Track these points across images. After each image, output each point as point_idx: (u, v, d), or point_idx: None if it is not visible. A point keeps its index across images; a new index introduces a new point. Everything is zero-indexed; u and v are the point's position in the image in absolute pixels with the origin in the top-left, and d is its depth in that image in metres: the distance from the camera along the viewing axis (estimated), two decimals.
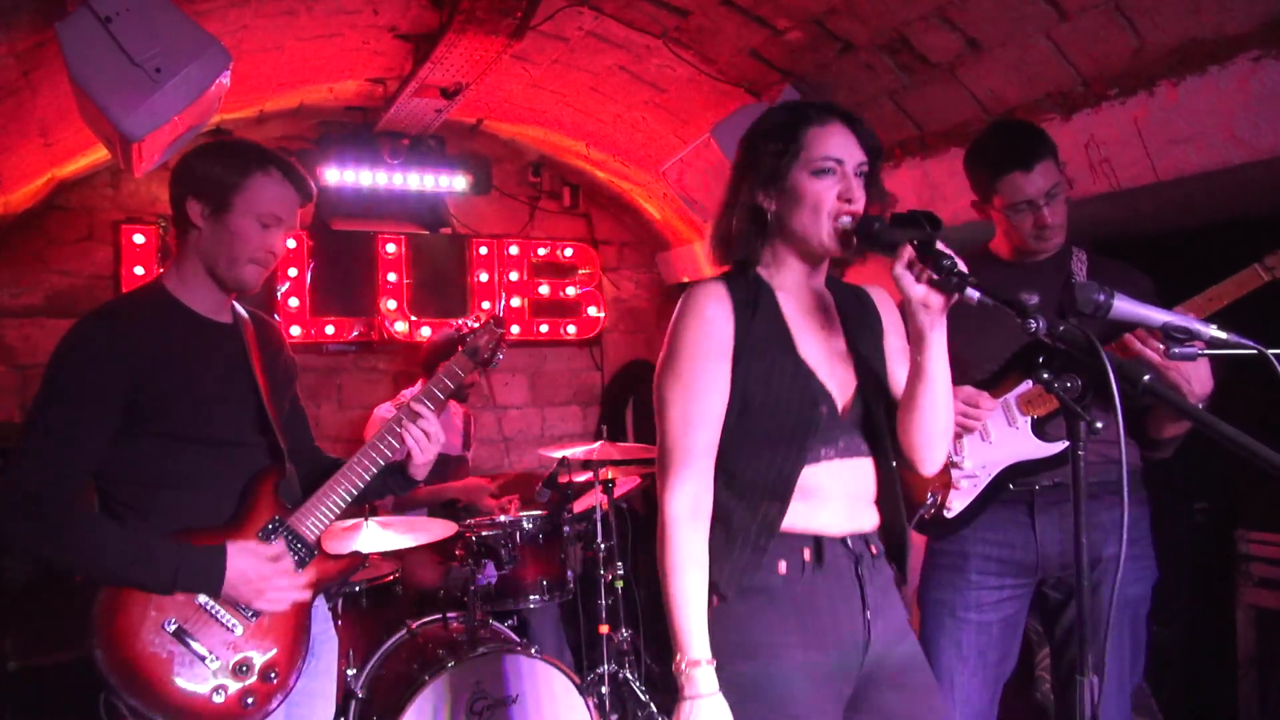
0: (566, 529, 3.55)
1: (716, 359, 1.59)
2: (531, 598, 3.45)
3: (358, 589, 3.22)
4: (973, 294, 1.44)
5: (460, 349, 2.20)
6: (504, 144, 5.11)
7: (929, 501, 2.28)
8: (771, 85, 3.45)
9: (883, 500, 1.70)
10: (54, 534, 1.73)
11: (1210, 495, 3.55)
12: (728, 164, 1.77)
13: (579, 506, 3.67)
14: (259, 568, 1.84)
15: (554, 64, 3.86)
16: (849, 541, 1.62)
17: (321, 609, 2.09)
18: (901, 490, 1.72)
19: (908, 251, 1.51)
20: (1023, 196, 2.16)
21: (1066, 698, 2.28)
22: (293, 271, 4.59)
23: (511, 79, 4.04)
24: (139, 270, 4.28)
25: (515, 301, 5.14)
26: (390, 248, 4.85)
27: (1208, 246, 3.03)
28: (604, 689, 3.32)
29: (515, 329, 5.12)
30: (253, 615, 1.87)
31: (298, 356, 2.22)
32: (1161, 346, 1.88)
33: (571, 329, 5.29)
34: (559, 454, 3.59)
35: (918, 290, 1.52)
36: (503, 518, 3.48)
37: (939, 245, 1.50)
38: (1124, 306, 1.43)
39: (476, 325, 2.26)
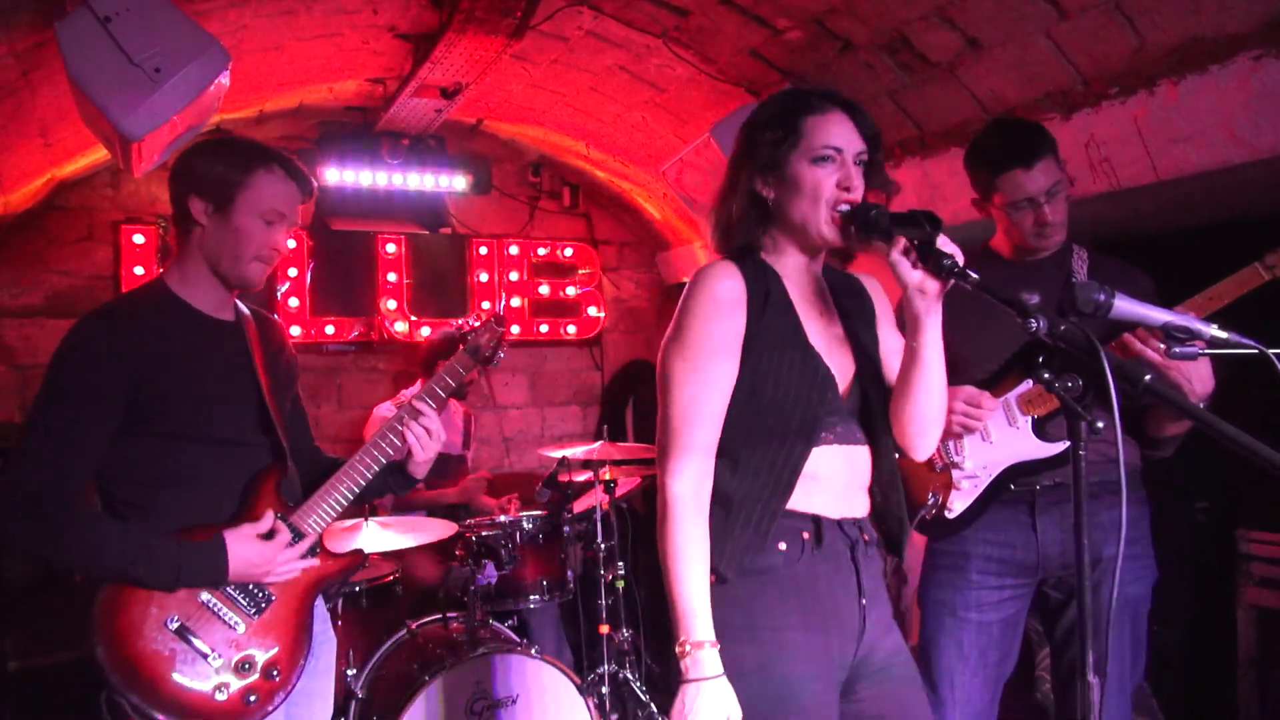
0: (567, 529, 3.55)
1: (729, 342, 1.58)
2: (531, 598, 3.45)
3: (358, 589, 3.22)
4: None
5: (462, 347, 2.20)
6: (504, 144, 5.11)
7: (930, 502, 2.28)
8: (771, 85, 3.45)
9: (877, 486, 1.71)
10: (54, 534, 1.73)
11: (1211, 495, 3.55)
12: (728, 163, 1.76)
13: (579, 506, 3.66)
14: (260, 550, 1.85)
15: (554, 64, 3.86)
16: (844, 525, 1.62)
17: (321, 609, 2.09)
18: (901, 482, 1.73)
19: (904, 238, 1.51)
20: (1023, 194, 2.15)
21: (1067, 698, 2.28)
22: (293, 271, 4.58)
23: (511, 79, 4.04)
24: (139, 270, 4.28)
25: (515, 301, 5.13)
26: (390, 248, 4.85)
27: (1208, 246, 3.02)
28: (604, 689, 3.32)
29: (515, 329, 5.12)
30: (255, 613, 1.87)
31: (298, 356, 2.22)
32: (1162, 346, 1.88)
33: (571, 329, 5.29)
34: (559, 454, 3.59)
35: (914, 276, 1.53)
36: (503, 518, 3.48)
37: (940, 244, 1.50)
38: (1125, 306, 1.43)
39: (478, 324, 2.26)
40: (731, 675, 1.51)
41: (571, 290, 5.27)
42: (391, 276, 4.83)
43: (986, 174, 2.21)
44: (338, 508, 1.99)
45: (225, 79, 2.45)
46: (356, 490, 2.01)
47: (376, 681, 3.07)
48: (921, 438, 1.70)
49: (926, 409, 1.65)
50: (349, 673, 3.00)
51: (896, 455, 1.74)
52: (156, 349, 1.83)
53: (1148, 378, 1.27)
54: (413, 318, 4.84)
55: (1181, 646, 3.42)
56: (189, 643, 1.79)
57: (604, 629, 3.43)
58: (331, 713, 2.16)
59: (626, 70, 3.78)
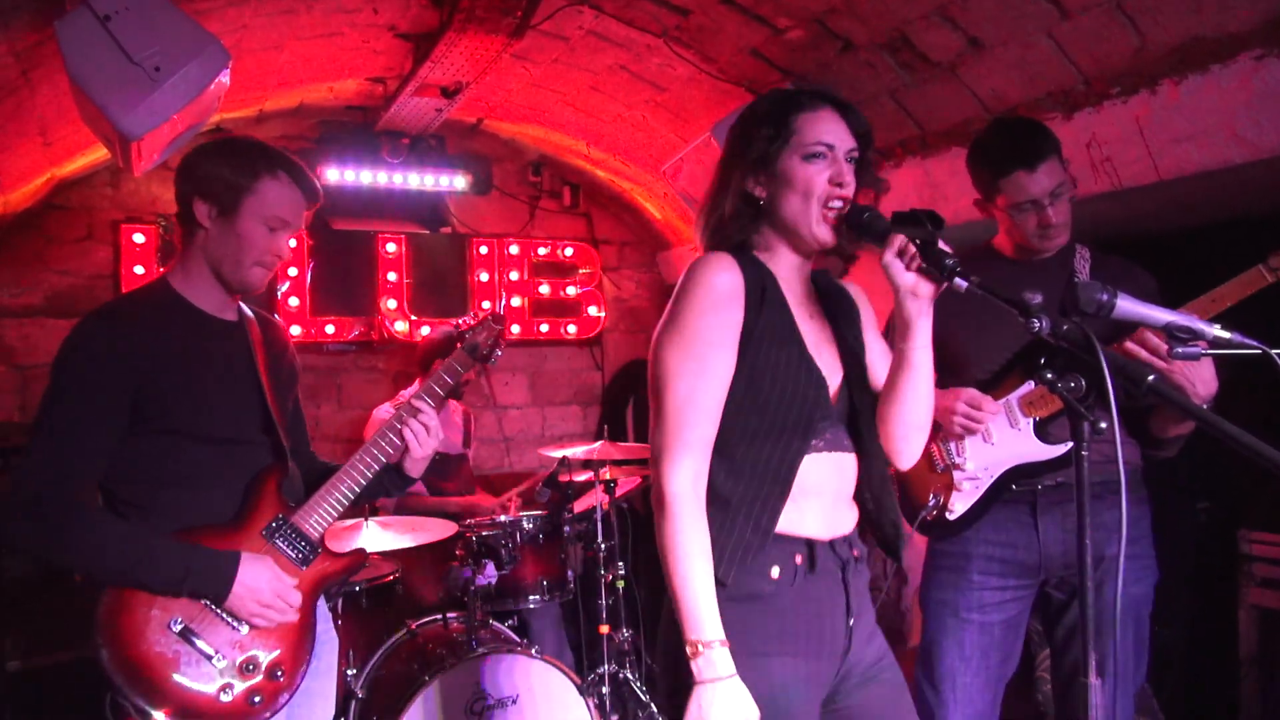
0: (567, 529, 3.54)
1: (728, 334, 1.55)
2: (532, 598, 3.44)
3: (358, 589, 3.21)
4: (961, 282, 1.44)
5: (459, 346, 2.20)
6: (504, 143, 5.11)
7: (931, 503, 2.28)
8: (772, 84, 3.45)
9: (868, 492, 1.69)
10: (54, 534, 1.73)
11: (1213, 495, 3.55)
12: (718, 163, 1.74)
13: (579, 506, 3.66)
14: (270, 582, 1.84)
15: (554, 63, 3.85)
16: (835, 545, 1.60)
17: (322, 609, 2.09)
18: (896, 486, 1.71)
19: (897, 240, 1.50)
20: (1026, 196, 2.14)
21: (1068, 698, 2.28)
22: (293, 271, 4.58)
23: (512, 78, 4.04)
24: (139, 270, 4.27)
25: (515, 301, 5.13)
26: (390, 247, 4.84)
27: (1209, 246, 3.03)
28: (604, 689, 3.31)
29: (515, 328, 5.11)
30: (254, 625, 1.87)
31: (298, 356, 2.21)
32: (1164, 346, 1.88)
33: (572, 329, 5.29)
34: (559, 454, 3.59)
35: (907, 278, 1.52)
36: (503, 517, 3.47)
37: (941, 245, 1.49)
38: (1127, 306, 1.43)
39: (475, 322, 2.25)
40: None
41: (572, 290, 5.27)
42: (392, 276, 4.82)
43: (989, 175, 2.19)
44: (338, 508, 1.99)
45: (225, 78, 2.44)
46: (357, 490, 2.01)
47: (376, 681, 3.07)
48: (906, 444, 1.68)
49: (913, 415, 1.64)
50: (349, 672, 3.00)
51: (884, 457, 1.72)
52: (157, 348, 1.83)
53: (1151, 378, 1.27)
54: (413, 317, 4.83)
55: (1183, 647, 3.42)
56: (193, 644, 1.79)
57: (604, 629, 3.42)
58: (333, 713, 2.16)
59: (627, 70, 3.78)
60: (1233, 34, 2.28)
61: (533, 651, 3.05)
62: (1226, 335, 1.46)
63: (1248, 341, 1.46)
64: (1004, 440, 2.20)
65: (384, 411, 3.99)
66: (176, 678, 1.76)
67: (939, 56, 2.88)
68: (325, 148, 4.60)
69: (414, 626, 3.21)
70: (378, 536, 3.16)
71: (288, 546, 1.92)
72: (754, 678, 1.49)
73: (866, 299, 1.83)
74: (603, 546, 3.44)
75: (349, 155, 4.59)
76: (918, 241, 1.50)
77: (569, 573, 3.54)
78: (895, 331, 1.60)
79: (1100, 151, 2.71)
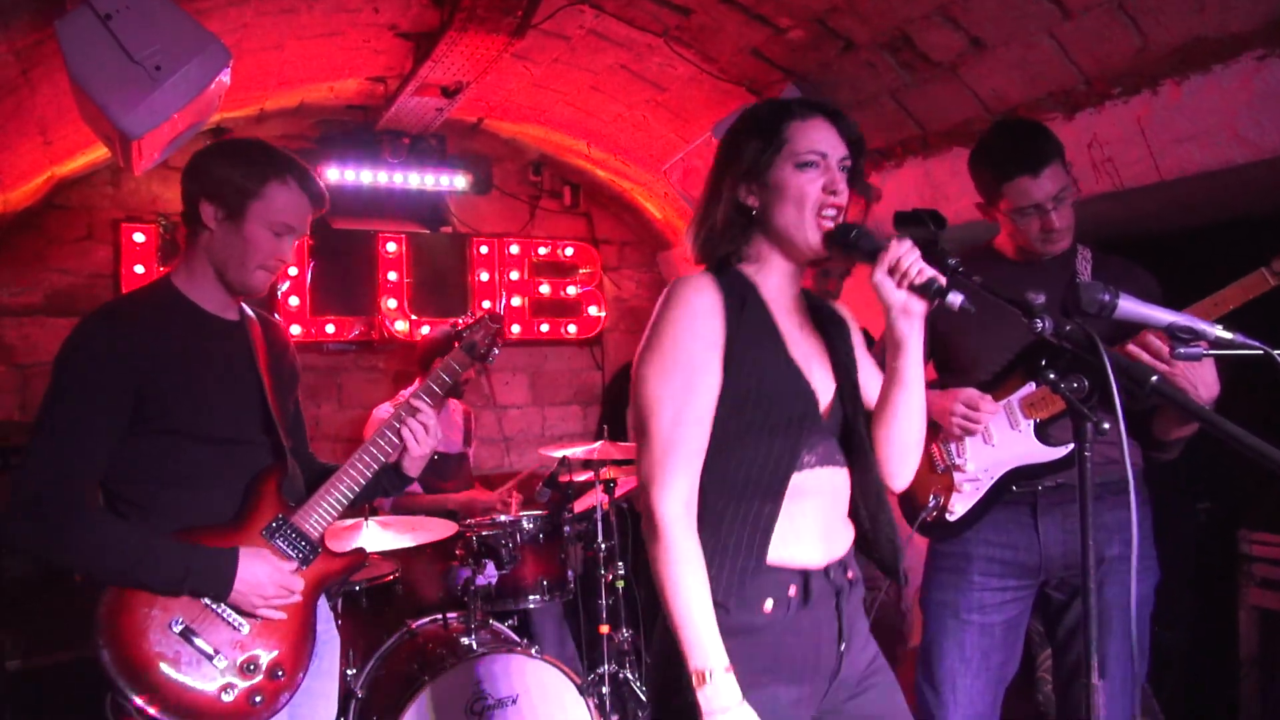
0: (567, 529, 3.54)
1: (708, 355, 1.52)
2: (532, 598, 3.44)
3: (357, 589, 3.21)
4: (954, 300, 1.43)
5: (457, 344, 2.20)
6: (505, 143, 5.10)
7: (931, 504, 2.27)
8: (773, 84, 3.45)
9: (864, 510, 1.66)
10: (54, 534, 1.73)
11: (1214, 495, 3.54)
12: (709, 174, 1.72)
13: (580, 506, 3.66)
14: (269, 573, 1.84)
15: (555, 63, 3.85)
16: (830, 573, 1.57)
17: (324, 609, 2.09)
18: (892, 498, 1.69)
19: (888, 257, 1.48)
20: (1030, 201, 2.13)
21: (1069, 699, 2.28)
22: (293, 270, 4.58)
23: (512, 78, 4.03)
24: (139, 269, 4.27)
25: (516, 301, 5.13)
26: (391, 246, 4.84)
27: (1211, 246, 3.03)
28: (604, 689, 3.31)
29: (516, 328, 5.11)
30: (258, 618, 1.87)
31: (298, 355, 2.21)
32: (1166, 349, 1.87)
33: (572, 328, 5.29)
34: (560, 454, 3.58)
35: (898, 296, 1.50)
36: (503, 517, 3.47)
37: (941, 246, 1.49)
38: (1129, 306, 1.43)
39: (472, 321, 2.26)
40: None
41: (572, 290, 5.27)
42: (392, 275, 4.82)
43: (992, 179, 2.18)
44: (338, 507, 1.99)
45: (226, 77, 2.44)
46: (357, 489, 2.01)
47: (376, 681, 3.07)
48: (901, 464, 1.66)
49: (906, 433, 1.62)
50: (349, 672, 3.00)
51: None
52: (158, 348, 1.83)
53: (1155, 378, 1.27)
54: (413, 317, 4.83)
55: (1183, 647, 3.42)
56: (193, 644, 1.79)
57: (604, 629, 3.42)
58: (335, 713, 2.16)
59: (627, 69, 3.78)
60: (1235, 34, 2.28)
61: (533, 651, 3.05)
62: (1228, 336, 1.45)
63: (1249, 342, 1.46)
64: (1004, 442, 2.19)
65: (384, 411, 3.99)
66: (177, 677, 1.76)
67: (940, 56, 2.88)
68: (325, 147, 4.59)
69: (414, 626, 3.21)
70: (377, 536, 3.16)
71: (288, 546, 1.92)
72: None
73: (854, 321, 1.81)
74: (603, 546, 3.44)
75: (349, 155, 4.59)
76: (920, 241, 1.49)
77: (569, 572, 3.54)
78: (886, 350, 1.58)
79: (1101, 152, 2.71)
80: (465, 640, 3.01)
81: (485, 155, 5.12)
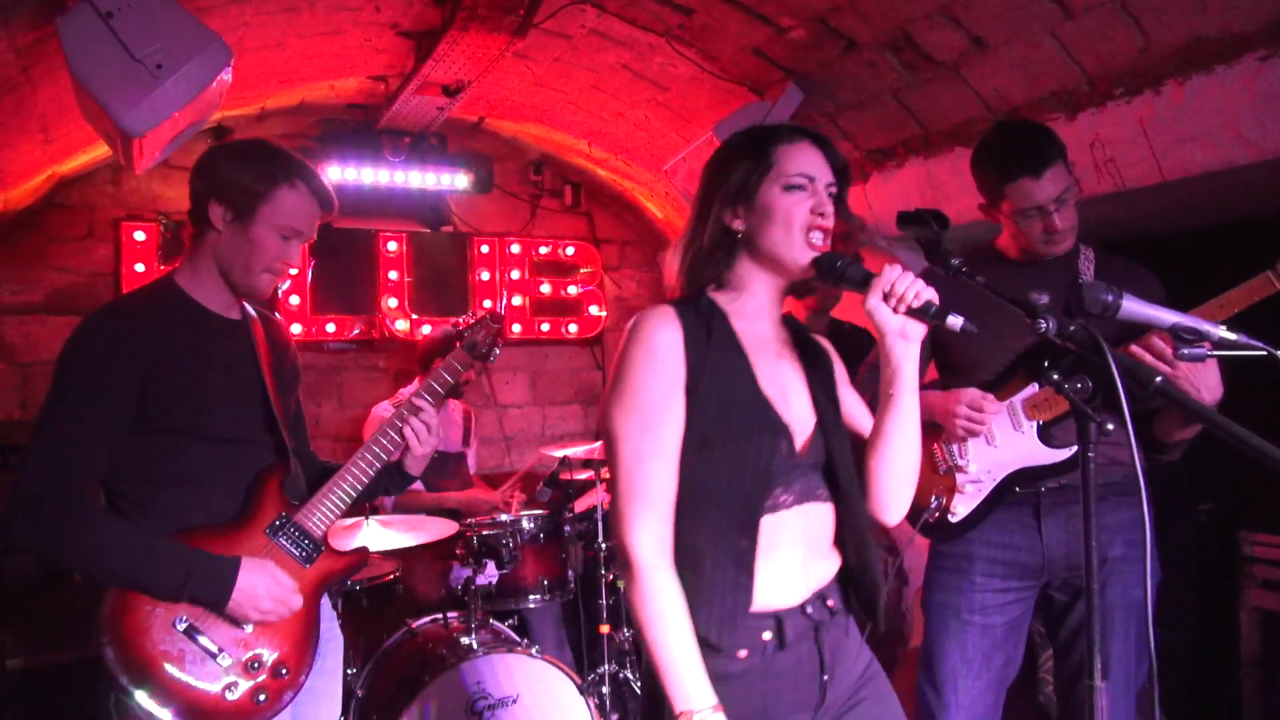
0: (568, 528, 3.54)
1: (670, 390, 1.49)
2: (532, 597, 3.44)
3: (357, 588, 3.21)
4: (954, 322, 1.41)
5: (458, 344, 2.20)
6: (506, 142, 5.10)
7: (933, 505, 2.27)
8: (774, 83, 3.44)
9: (849, 546, 1.61)
10: (54, 534, 1.73)
11: (1216, 496, 3.54)
12: (694, 198, 1.70)
13: (580, 506, 3.66)
14: (270, 587, 1.83)
15: (556, 62, 3.85)
16: (808, 609, 1.53)
17: (327, 608, 2.09)
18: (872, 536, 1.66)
19: (881, 283, 1.46)
20: (1032, 203, 2.12)
21: (1070, 700, 2.27)
22: (293, 269, 4.56)
23: (513, 77, 4.03)
24: (139, 267, 4.27)
25: (517, 300, 5.13)
26: (391, 246, 4.84)
27: (1213, 246, 3.02)
28: (604, 689, 3.31)
29: (516, 328, 5.11)
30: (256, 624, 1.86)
31: (299, 354, 2.21)
32: (1169, 351, 1.87)
33: (573, 328, 5.29)
34: (560, 453, 3.58)
35: (894, 322, 1.48)
36: (504, 516, 3.47)
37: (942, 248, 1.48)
38: (1133, 307, 1.42)
39: (473, 320, 2.26)
40: None
41: (573, 289, 5.27)
42: (393, 274, 4.82)
43: (994, 181, 2.17)
44: (341, 506, 1.99)
45: (227, 76, 2.43)
46: (359, 488, 2.01)
47: (376, 680, 3.07)
48: (895, 496, 1.62)
49: (901, 464, 1.59)
50: (349, 671, 2.99)
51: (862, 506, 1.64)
52: (158, 347, 1.83)
53: (1159, 379, 1.26)
54: (414, 316, 4.83)
55: (1184, 648, 3.41)
56: (197, 642, 1.78)
57: (604, 629, 3.42)
58: (339, 712, 2.16)
59: (629, 69, 3.77)
60: (1237, 34, 2.28)
61: (533, 651, 3.05)
62: (1232, 337, 1.45)
63: (1253, 343, 1.45)
64: (1007, 443, 2.19)
65: (384, 410, 3.99)
66: (181, 676, 1.76)
67: (942, 56, 2.88)
68: (326, 146, 4.59)
69: (414, 626, 3.20)
70: (378, 535, 3.16)
71: (291, 545, 1.92)
72: None
73: (837, 355, 1.77)
74: (603, 546, 3.44)
75: (350, 153, 4.59)
76: (922, 241, 1.48)
77: (569, 572, 3.54)
78: (880, 377, 1.55)
79: (1104, 152, 2.71)
80: (465, 640, 3.01)
81: (486, 154, 5.12)
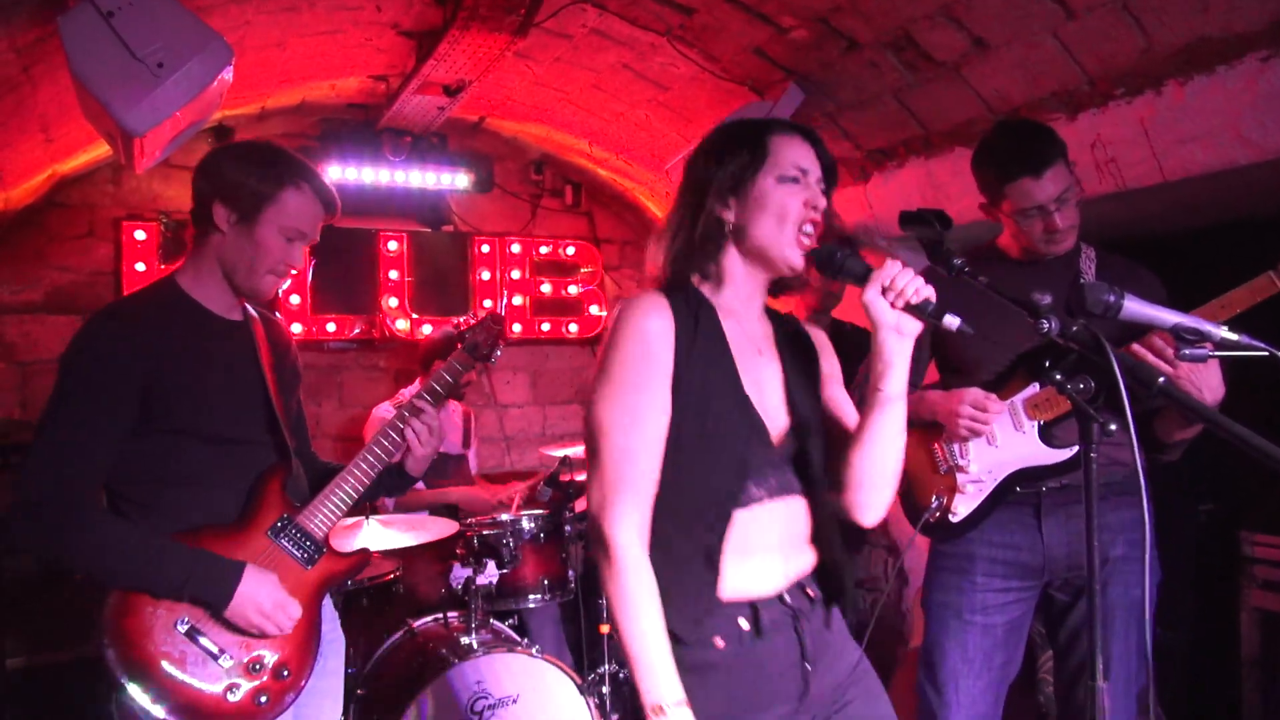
0: (568, 528, 3.54)
1: (658, 379, 1.48)
2: (532, 597, 3.44)
3: (358, 588, 3.21)
4: (950, 322, 1.41)
5: (459, 345, 2.20)
6: (506, 142, 5.10)
7: (934, 505, 2.27)
8: (775, 83, 3.44)
9: (819, 540, 1.61)
10: (54, 535, 1.73)
11: (1216, 497, 3.55)
12: (680, 189, 1.68)
13: (581, 505, 3.65)
14: (271, 595, 1.83)
15: (557, 62, 3.85)
16: (786, 598, 1.53)
17: (329, 609, 2.09)
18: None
19: (880, 276, 1.45)
20: (1033, 202, 2.12)
21: (1071, 700, 2.27)
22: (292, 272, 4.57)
23: (514, 76, 4.03)
24: (140, 267, 4.27)
25: (517, 300, 5.13)
26: (392, 245, 4.84)
27: (1214, 247, 3.03)
28: (605, 689, 3.31)
29: (517, 327, 5.11)
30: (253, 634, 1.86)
31: (299, 354, 2.21)
32: (1171, 349, 1.87)
33: (574, 328, 5.29)
34: (561, 453, 3.58)
35: (890, 317, 1.47)
36: (504, 516, 3.47)
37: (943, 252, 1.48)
38: (1134, 307, 1.42)
39: (474, 321, 2.26)
40: None
41: (573, 289, 5.27)
42: (393, 274, 4.82)
43: (995, 181, 2.18)
44: (343, 507, 1.99)
45: (228, 75, 2.43)
46: (361, 489, 2.01)
47: (377, 680, 3.07)
48: (875, 495, 1.60)
49: (884, 462, 1.57)
50: (349, 671, 2.99)
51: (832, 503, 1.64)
52: (160, 348, 1.83)
53: (1161, 379, 1.26)
54: (414, 315, 4.83)
55: (1184, 648, 3.42)
56: (199, 643, 1.78)
57: (604, 629, 3.42)
58: (340, 712, 2.16)
59: (630, 68, 3.77)
60: (1239, 34, 2.28)
61: (533, 651, 3.04)
62: (1234, 337, 1.45)
63: (1254, 343, 1.45)
64: (1008, 443, 2.19)
65: (384, 410, 3.99)
66: (183, 677, 1.76)
67: (943, 56, 2.88)
68: (327, 145, 4.59)
69: (414, 626, 3.20)
70: (379, 535, 3.16)
71: (293, 546, 1.92)
72: None
73: (831, 349, 1.76)
74: None
75: (351, 153, 4.58)
76: (924, 241, 1.48)
77: (570, 572, 3.54)
78: (871, 373, 1.54)
79: (1105, 152, 2.71)
80: (466, 639, 3.01)
81: (487, 154, 5.12)
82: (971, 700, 2.24)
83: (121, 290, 4.22)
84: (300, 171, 1.92)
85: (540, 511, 3.57)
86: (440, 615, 3.26)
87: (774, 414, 1.57)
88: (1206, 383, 1.92)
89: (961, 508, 2.23)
